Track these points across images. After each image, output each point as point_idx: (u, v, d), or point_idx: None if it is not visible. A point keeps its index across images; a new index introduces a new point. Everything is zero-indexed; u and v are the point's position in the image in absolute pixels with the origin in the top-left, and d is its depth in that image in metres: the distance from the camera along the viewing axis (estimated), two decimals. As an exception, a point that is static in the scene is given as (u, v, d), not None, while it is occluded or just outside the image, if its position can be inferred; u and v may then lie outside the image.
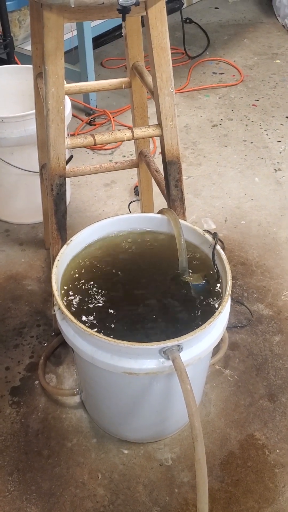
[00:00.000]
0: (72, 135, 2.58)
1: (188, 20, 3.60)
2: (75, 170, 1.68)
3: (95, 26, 2.90)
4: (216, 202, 2.21)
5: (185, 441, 1.44)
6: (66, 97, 1.93)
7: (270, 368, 1.61)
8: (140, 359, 1.10)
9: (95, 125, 2.66)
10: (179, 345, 1.08)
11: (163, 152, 1.37)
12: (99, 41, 3.31)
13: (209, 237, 1.28)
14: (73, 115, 2.72)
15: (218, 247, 1.25)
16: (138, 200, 2.09)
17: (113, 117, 2.65)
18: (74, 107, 2.79)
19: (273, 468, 1.38)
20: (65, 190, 1.36)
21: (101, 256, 1.32)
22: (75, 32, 2.66)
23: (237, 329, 1.72)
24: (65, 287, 1.24)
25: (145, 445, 1.44)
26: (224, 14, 3.80)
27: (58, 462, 1.40)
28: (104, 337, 1.06)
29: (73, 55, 2.72)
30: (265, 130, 2.63)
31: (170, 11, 3.70)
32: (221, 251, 1.24)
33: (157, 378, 1.16)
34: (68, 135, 2.18)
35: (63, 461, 1.40)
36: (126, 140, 1.32)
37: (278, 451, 1.42)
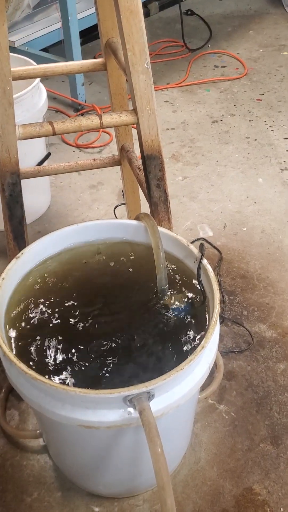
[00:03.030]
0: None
1: (189, 12, 3.36)
2: (45, 169, 1.44)
3: (84, 18, 2.66)
4: (215, 206, 1.95)
5: (169, 496, 1.18)
6: (41, 84, 1.69)
7: (273, 403, 1.35)
8: (99, 409, 0.85)
9: (83, 121, 2.41)
10: (148, 392, 0.82)
11: (140, 144, 1.13)
12: (92, 34, 3.07)
13: (194, 249, 1.03)
14: (60, 111, 2.48)
15: (204, 261, 0.99)
16: (125, 204, 1.84)
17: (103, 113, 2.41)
18: (61, 102, 2.55)
19: (276, 534, 1.12)
20: (20, 191, 1.12)
21: (62, 274, 1.07)
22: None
23: (234, 355, 1.46)
24: (13, 313, 0.99)
25: (120, 500, 1.18)
26: (228, 5, 3.55)
27: (13, 523, 1.15)
28: (49, 381, 0.81)
29: (63, 46, 2.49)
30: (270, 126, 2.37)
31: (171, 3, 3.47)
32: (209, 267, 0.98)
33: (124, 432, 0.91)
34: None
35: (19, 521, 1.15)
36: (94, 130, 1.08)
37: (282, 509, 1.16)
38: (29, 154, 1.75)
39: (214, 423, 1.32)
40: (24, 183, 1.18)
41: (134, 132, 1.42)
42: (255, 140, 2.28)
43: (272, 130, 2.34)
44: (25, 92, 1.56)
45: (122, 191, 1.95)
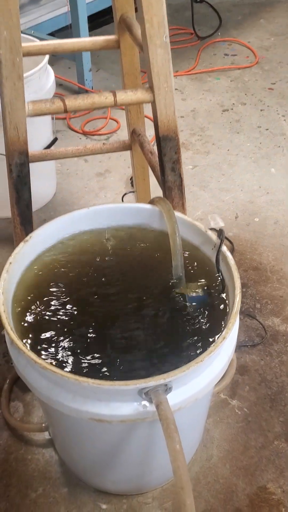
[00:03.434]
0: (63, 118, 2.29)
1: (199, -1, 3.28)
2: (53, 152, 1.39)
3: (92, 1, 2.60)
4: (226, 195, 1.89)
5: (180, 494, 1.13)
6: (48, 66, 1.63)
7: (288, 399, 1.30)
8: (113, 402, 0.79)
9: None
10: (166, 385, 0.77)
11: (155, 125, 1.07)
12: (101, 20, 3.00)
13: (212, 236, 0.97)
14: (66, 98, 2.41)
15: (224, 248, 0.94)
16: (133, 192, 1.79)
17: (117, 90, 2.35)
18: (67, 88, 2.49)
19: (292, 535, 1.07)
20: (28, 172, 1.06)
21: (71, 260, 1.01)
22: (70, 5, 2.36)
23: (247, 349, 1.41)
24: (21, 300, 0.94)
25: (129, 498, 1.13)
26: (238, -6, 3.47)
27: (17, 519, 1.10)
28: (60, 371, 0.76)
29: (70, 31, 2.42)
30: (282, 115, 2.31)
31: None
32: (228, 254, 0.93)
33: (138, 426, 0.85)
34: (53, 119, 1.89)
35: (23, 517, 1.10)
36: (107, 107, 1.02)
37: (298, 510, 1.11)
38: (35, 138, 1.69)
39: (226, 418, 1.27)
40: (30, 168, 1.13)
41: (145, 106, 1.36)
42: (267, 129, 2.22)
43: (285, 120, 2.27)
44: (32, 72, 1.50)
45: (131, 179, 1.90)
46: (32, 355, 0.78)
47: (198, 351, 0.85)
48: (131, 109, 1.36)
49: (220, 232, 0.95)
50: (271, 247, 1.68)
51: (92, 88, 2.44)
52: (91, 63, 2.43)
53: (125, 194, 1.81)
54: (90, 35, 2.39)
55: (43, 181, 1.85)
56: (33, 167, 1.71)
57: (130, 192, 1.83)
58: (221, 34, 2.97)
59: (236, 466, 1.18)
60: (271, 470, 1.18)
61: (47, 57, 1.57)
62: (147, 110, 1.29)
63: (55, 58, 2.65)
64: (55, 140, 1.77)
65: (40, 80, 1.57)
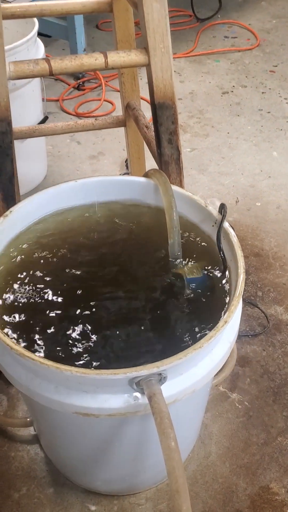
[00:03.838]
0: (56, 100, 2.19)
1: (197, -18, 3.17)
2: (41, 128, 1.29)
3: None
4: (226, 179, 1.80)
5: (175, 495, 1.04)
6: (38, 39, 1.53)
7: (292, 393, 1.21)
8: (100, 393, 0.70)
9: (84, 89, 2.25)
10: (160, 374, 0.68)
11: (151, 91, 0.97)
12: None
13: (213, 211, 0.88)
14: (59, 79, 2.31)
15: (226, 224, 0.85)
16: (128, 174, 1.69)
17: (106, 82, 2.25)
18: (60, 69, 2.38)
19: (298, 540, 0.98)
20: (11, 143, 0.96)
21: (56, 239, 0.92)
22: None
23: (248, 339, 1.32)
24: (2, 279, 0.85)
25: (120, 498, 1.04)
26: (239, -23, 3.36)
27: (-2, 522, 1.01)
28: (40, 358, 0.66)
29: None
30: (285, 98, 2.21)
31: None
32: (231, 230, 0.84)
33: (129, 420, 0.76)
34: (43, 100, 1.78)
35: (5, 519, 1.01)
36: (97, 69, 0.92)
37: (303, 512, 1.02)
38: (24, 116, 1.60)
39: (226, 413, 1.18)
40: (18, 148, 1.03)
41: (142, 88, 1.27)
42: (269, 112, 2.13)
43: (287, 103, 2.18)
44: (20, 43, 1.40)
45: (126, 161, 1.80)
46: (8, 341, 0.68)
47: (196, 336, 0.76)
48: (126, 80, 1.27)
49: (221, 207, 0.85)
50: (273, 232, 1.59)
51: (86, 69, 2.33)
52: (85, 44, 2.33)
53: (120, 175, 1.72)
54: (84, 17, 2.28)
55: (32, 163, 1.75)
56: (23, 148, 1.62)
57: (125, 174, 1.74)
58: (221, 16, 2.86)
59: (237, 464, 1.10)
60: (275, 468, 1.09)
61: (36, 27, 1.47)
62: (144, 92, 1.19)
63: (49, 40, 2.55)
64: (45, 119, 1.67)
65: (29, 52, 1.47)
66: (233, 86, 2.30)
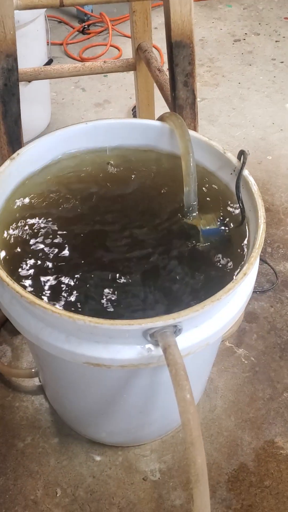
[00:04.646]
0: (60, 44, 2.09)
1: None
2: (47, 70, 1.22)
3: None
4: (237, 131, 1.73)
5: (181, 447, 1.05)
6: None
7: (299, 349, 1.19)
8: (112, 344, 0.68)
9: (89, 33, 2.15)
10: (175, 325, 0.65)
11: (167, 28, 0.91)
12: None
13: (232, 158, 0.83)
14: (63, 21, 2.21)
15: (246, 172, 0.80)
16: (135, 123, 1.63)
17: (112, 26, 2.14)
18: (64, 12, 2.27)
19: (302, 493, 0.99)
20: (17, 81, 0.91)
21: (65, 185, 0.88)
22: None
23: (256, 295, 1.29)
24: (8, 226, 0.81)
25: (125, 449, 1.04)
26: None
27: (3, 470, 1.01)
28: (51, 307, 0.64)
29: None
30: (299, 48, 2.12)
31: None
32: (251, 179, 0.80)
33: (140, 372, 0.74)
34: (48, 43, 1.70)
35: (10, 468, 1.01)
36: (111, 1, 0.85)
37: (308, 466, 1.02)
38: (28, 58, 1.51)
39: (232, 368, 1.17)
40: (20, 93, 0.96)
41: (158, 34, 1.20)
42: (282, 62, 2.04)
43: (301, 53, 2.09)
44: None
45: (133, 110, 1.73)
46: (18, 288, 0.65)
47: (212, 289, 0.73)
48: (137, 19, 1.19)
49: (241, 153, 0.81)
50: (285, 187, 1.55)
51: (92, 12, 2.22)
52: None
53: (126, 125, 1.65)
54: None
55: (35, 109, 1.68)
56: (25, 93, 1.54)
57: (132, 123, 1.67)
58: None
59: (242, 418, 1.09)
60: (280, 423, 1.09)
61: None
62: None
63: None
64: (50, 61, 1.59)
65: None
66: (246, 33, 2.19)
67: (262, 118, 1.78)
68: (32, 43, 1.50)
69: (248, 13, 2.32)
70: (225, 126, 1.75)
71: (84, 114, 1.79)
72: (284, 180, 1.57)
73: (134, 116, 1.70)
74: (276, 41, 2.15)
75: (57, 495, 0.98)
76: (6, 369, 1.12)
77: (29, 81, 1.48)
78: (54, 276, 0.77)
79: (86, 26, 2.16)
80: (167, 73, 1.05)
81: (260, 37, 2.17)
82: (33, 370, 1.09)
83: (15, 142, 0.97)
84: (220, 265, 0.78)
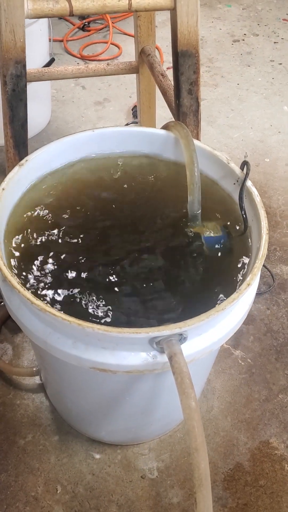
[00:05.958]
0: (60, 41, 2.09)
1: None
2: (51, 71, 1.23)
3: None
4: (235, 132, 1.75)
5: (178, 446, 1.07)
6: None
7: (294, 351, 1.22)
8: (119, 350, 0.70)
9: (89, 31, 2.15)
10: (181, 334, 0.67)
11: (174, 38, 0.92)
12: None
13: (235, 168, 0.85)
14: (64, 18, 2.20)
15: (249, 183, 0.82)
16: (136, 123, 1.64)
17: (113, 23, 2.14)
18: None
19: (296, 492, 1.02)
20: (25, 88, 0.92)
21: (73, 190, 0.89)
22: None
23: (253, 297, 1.32)
24: (16, 232, 0.82)
25: (124, 448, 1.07)
26: None
27: (5, 467, 1.03)
28: (61, 314, 0.65)
29: None
30: (298, 50, 2.14)
31: None
32: (254, 190, 0.82)
33: (143, 377, 0.77)
34: (51, 40, 1.70)
35: (11, 465, 1.03)
36: (120, 12, 0.86)
37: (301, 466, 1.06)
38: (31, 57, 1.51)
39: (229, 369, 1.20)
40: None
41: (158, 32, 1.20)
42: (281, 64, 2.06)
43: (300, 55, 2.11)
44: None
45: (132, 109, 1.74)
46: (29, 295, 0.67)
47: (213, 297, 0.76)
48: (142, 23, 1.20)
49: (244, 164, 0.83)
50: (282, 190, 1.57)
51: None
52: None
53: (127, 124, 1.67)
54: None
55: (36, 107, 1.68)
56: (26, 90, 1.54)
57: (133, 122, 1.69)
58: None
59: (238, 419, 1.12)
60: (275, 424, 1.12)
61: None
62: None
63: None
64: (52, 60, 1.60)
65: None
66: (245, 34, 2.21)
67: (260, 120, 1.80)
68: (35, 42, 1.51)
69: (247, 13, 2.33)
70: (223, 128, 1.77)
71: (84, 112, 1.80)
72: (281, 182, 1.59)
73: (134, 115, 1.72)
74: (275, 42, 2.17)
75: (58, 491, 1.00)
76: (7, 367, 1.13)
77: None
78: (60, 282, 0.78)
79: (86, 23, 2.16)
80: (171, 77, 1.07)
81: (259, 38, 2.18)
82: (34, 368, 1.11)
83: (21, 145, 0.98)
84: (221, 273, 0.80)
